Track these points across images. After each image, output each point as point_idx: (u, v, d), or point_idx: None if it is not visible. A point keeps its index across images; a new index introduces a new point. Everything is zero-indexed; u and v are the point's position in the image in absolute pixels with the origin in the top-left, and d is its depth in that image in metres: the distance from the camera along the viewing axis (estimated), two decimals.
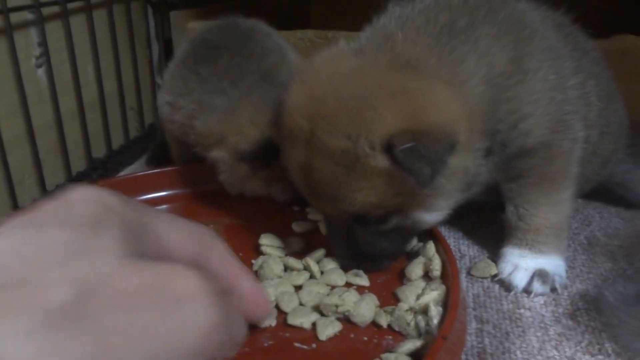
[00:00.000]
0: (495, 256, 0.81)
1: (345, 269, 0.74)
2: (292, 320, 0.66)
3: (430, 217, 0.70)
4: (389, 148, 0.60)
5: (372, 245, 0.71)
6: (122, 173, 1.20)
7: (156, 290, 0.29)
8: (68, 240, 0.29)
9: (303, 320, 0.66)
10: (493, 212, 0.94)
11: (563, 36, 0.77)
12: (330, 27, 1.25)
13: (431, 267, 0.71)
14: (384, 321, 0.65)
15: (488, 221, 0.93)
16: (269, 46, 0.87)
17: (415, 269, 0.73)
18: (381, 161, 0.62)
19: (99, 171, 1.23)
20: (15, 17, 1.02)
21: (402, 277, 0.74)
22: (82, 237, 0.29)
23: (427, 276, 0.72)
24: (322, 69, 0.68)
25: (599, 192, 0.97)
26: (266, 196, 0.86)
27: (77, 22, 1.19)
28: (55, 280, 0.27)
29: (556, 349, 0.65)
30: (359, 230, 0.70)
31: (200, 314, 0.30)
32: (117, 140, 1.34)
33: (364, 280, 0.72)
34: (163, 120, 0.90)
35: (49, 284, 0.27)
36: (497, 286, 0.76)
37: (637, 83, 1.35)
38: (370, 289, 0.72)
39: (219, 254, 0.39)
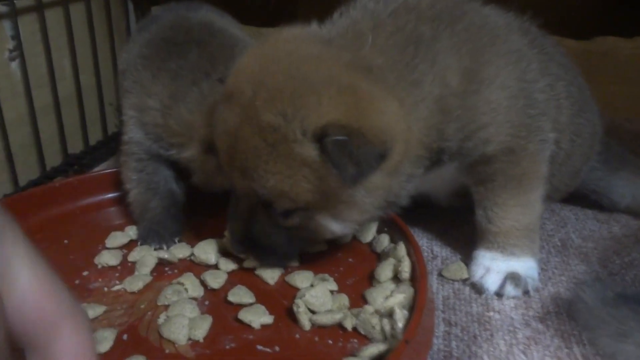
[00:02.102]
0: (468, 258, 0.80)
1: (236, 250, 0.73)
2: (243, 316, 0.66)
3: (337, 226, 0.67)
4: (320, 138, 0.59)
5: (267, 237, 0.69)
6: (97, 169, 1.18)
7: None
8: None
9: (253, 318, 0.65)
10: (463, 214, 0.93)
11: (529, 41, 0.76)
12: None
13: (400, 268, 0.70)
14: (349, 324, 0.64)
15: (461, 222, 0.92)
16: (236, 35, 0.86)
17: (385, 271, 0.72)
18: (308, 150, 0.60)
19: (74, 167, 1.21)
20: None
21: (372, 279, 0.73)
22: None
23: (396, 278, 0.71)
24: (283, 44, 0.67)
25: (574, 197, 0.96)
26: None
27: (53, 16, 1.17)
28: None
29: (524, 353, 0.64)
30: (260, 216, 0.68)
31: None
32: (95, 136, 1.32)
33: (331, 284, 0.71)
34: (129, 139, 0.84)
35: None
36: (467, 288, 0.76)
37: (617, 84, 1.36)
38: (339, 291, 0.71)
39: (73, 328, 0.33)
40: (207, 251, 0.76)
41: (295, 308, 0.65)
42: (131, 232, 0.83)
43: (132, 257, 0.78)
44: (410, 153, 0.65)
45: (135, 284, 0.71)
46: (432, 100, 0.65)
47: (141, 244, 0.80)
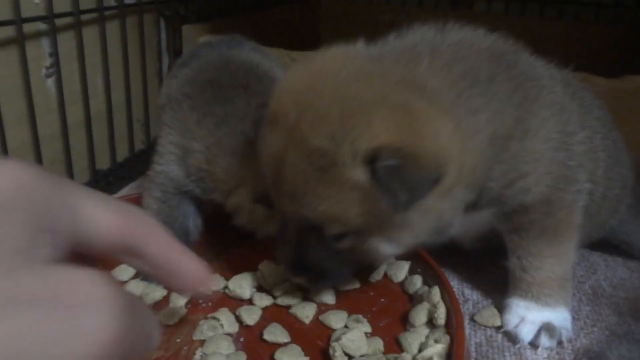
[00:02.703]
0: (499, 302, 0.80)
1: (289, 276, 0.72)
2: (279, 356, 0.65)
3: (389, 248, 0.66)
4: (371, 161, 0.57)
5: (319, 261, 0.68)
6: (125, 188, 1.19)
7: (49, 296, 0.27)
8: None
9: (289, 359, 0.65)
10: (495, 256, 0.93)
11: (570, 93, 0.77)
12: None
13: (436, 314, 0.70)
14: None
15: (489, 265, 0.91)
16: (280, 77, 0.86)
17: (420, 315, 0.71)
18: (358, 174, 0.58)
19: (101, 184, 1.22)
20: (27, 27, 1.01)
21: (404, 322, 0.73)
22: None
23: (431, 322, 0.71)
24: (330, 62, 0.64)
25: (604, 244, 0.96)
26: None
27: (90, 33, 1.18)
28: None
29: None
30: (311, 241, 0.66)
31: (98, 324, 0.27)
32: (122, 153, 1.33)
33: (365, 326, 0.71)
34: (162, 172, 0.83)
35: None
36: (500, 336, 0.75)
37: None
38: (373, 334, 0.71)
39: (155, 234, 0.37)
40: (242, 285, 0.76)
41: (331, 352, 0.65)
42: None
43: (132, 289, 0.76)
44: (462, 179, 0.63)
45: (170, 317, 0.71)
46: (487, 135, 0.64)
47: (142, 279, 0.78)
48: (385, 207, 0.59)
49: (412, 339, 0.68)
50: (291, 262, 0.69)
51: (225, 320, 0.71)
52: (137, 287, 0.76)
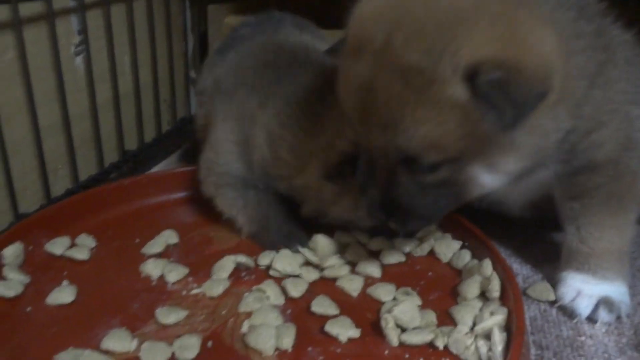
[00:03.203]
0: (550, 276, 0.77)
1: (372, 218, 0.67)
2: (330, 328, 0.64)
3: (488, 178, 0.61)
4: (473, 76, 0.53)
5: (411, 198, 0.62)
6: (155, 167, 1.17)
7: None
8: None
9: (340, 331, 0.63)
10: (542, 231, 0.91)
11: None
12: None
13: (489, 287, 0.67)
14: (440, 343, 0.61)
15: (537, 239, 0.89)
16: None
17: (471, 288, 0.69)
18: (459, 91, 0.53)
19: (129, 164, 1.21)
20: (57, 4, 0.99)
21: (454, 295, 0.71)
22: None
23: (482, 295, 0.69)
24: None
25: None
26: (351, 222, 0.78)
27: (117, 12, 1.16)
28: None
29: None
30: (402, 177, 0.62)
31: None
32: (150, 133, 1.31)
33: (416, 299, 0.69)
34: (225, 172, 0.81)
35: None
36: (554, 310, 0.72)
37: None
38: (424, 306, 0.68)
39: None
40: (290, 264, 0.74)
41: (383, 324, 0.63)
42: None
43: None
44: (565, 98, 0.60)
45: (215, 289, 0.69)
46: (583, 61, 0.61)
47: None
48: (488, 127, 0.55)
49: (465, 312, 0.66)
50: (381, 204, 0.63)
51: (272, 292, 0.69)
52: (156, 265, 0.74)
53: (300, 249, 0.76)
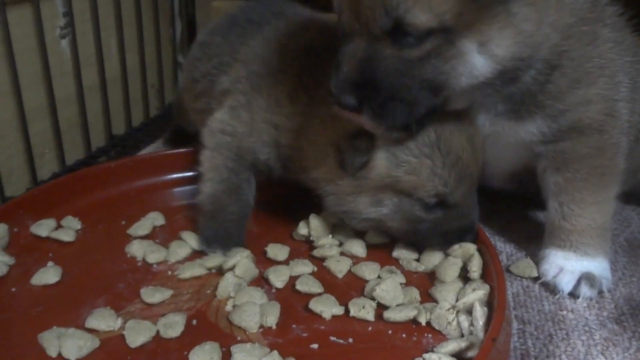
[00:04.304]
0: (533, 253, 0.78)
1: (341, 102, 0.59)
2: (313, 305, 0.64)
3: (477, 59, 0.57)
4: None
5: (393, 76, 0.57)
6: (142, 151, 1.17)
7: None
8: None
9: (324, 309, 0.64)
10: (526, 210, 0.91)
11: (627, 31, 0.75)
12: None
13: (469, 267, 0.67)
14: (423, 319, 0.62)
15: (521, 218, 0.90)
16: None
17: (448, 271, 0.68)
18: None
19: (117, 148, 1.20)
20: None
21: (433, 278, 0.71)
22: None
23: (465, 277, 0.69)
24: None
25: (636, 197, 0.94)
26: (377, 221, 0.71)
27: None
28: None
29: (603, 354, 0.62)
30: (385, 49, 0.57)
31: None
32: (137, 118, 1.31)
33: (400, 277, 0.69)
34: (246, 148, 0.77)
35: None
36: (537, 286, 0.73)
37: None
38: (408, 284, 0.69)
39: None
40: (283, 252, 0.74)
41: (356, 309, 0.63)
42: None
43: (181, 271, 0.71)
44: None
45: (198, 269, 0.70)
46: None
47: (206, 248, 0.74)
48: None
49: (447, 291, 0.66)
50: (351, 83, 0.57)
51: (247, 276, 0.69)
52: (142, 246, 0.74)
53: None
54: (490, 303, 0.62)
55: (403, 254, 0.73)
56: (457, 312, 0.61)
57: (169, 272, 0.70)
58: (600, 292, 0.71)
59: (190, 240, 0.75)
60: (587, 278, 0.70)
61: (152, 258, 0.72)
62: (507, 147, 0.73)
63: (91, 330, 0.59)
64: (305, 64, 0.75)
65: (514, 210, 0.90)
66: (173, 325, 0.60)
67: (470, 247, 0.70)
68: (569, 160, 0.70)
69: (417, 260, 0.73)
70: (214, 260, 0.71)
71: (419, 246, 0.73)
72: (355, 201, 0.69)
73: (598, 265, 0.72)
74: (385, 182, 0.67)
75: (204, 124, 0.82)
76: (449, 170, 0.65)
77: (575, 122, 0.68)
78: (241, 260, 0.69)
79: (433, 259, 0.72)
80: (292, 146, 0.74)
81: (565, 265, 0.71)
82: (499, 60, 0.58)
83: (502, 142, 0.71)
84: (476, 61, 0.57)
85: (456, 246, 0.71)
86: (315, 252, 0.74)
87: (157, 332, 0.60)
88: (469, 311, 0.61)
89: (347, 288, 0.69)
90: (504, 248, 0.82)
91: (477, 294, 0.62)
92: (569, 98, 0.67)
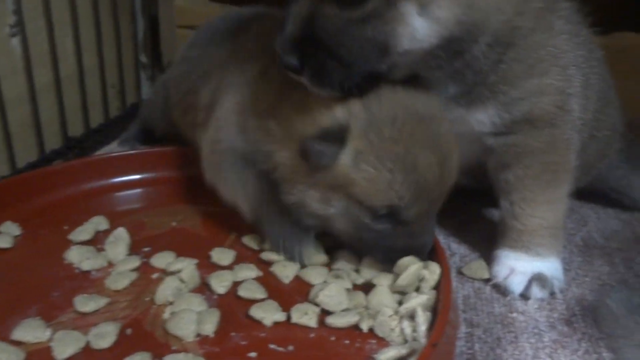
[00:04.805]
0: (487, 255, 0.76)
1: (284, 62, 0.59)
2: (254, 312, 0.62)
3: (418, 22, 0.57)
4: None
5: (334, 33, 0.58)
6: (98, 152, 1.14)
7: None
8: None
9: (265, 315, 0.61)
10: (482, 209, 0.90)
11: (583, 26, 0.75)
12: None
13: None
14: (365, 325, 0.60)
15: (477, 219, 0.89)
16: None
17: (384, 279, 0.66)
18: None
19: (75, 150, 1.17)
20: None
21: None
22: None
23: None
24: None
25: (594, 194, 0.93)
26: (323, 219, 0.68)
27: None
28: None
29: (550, 357, 0.61)
30: (328, 8, 0.58)
31: None
32: (96, 119, 1.27)
33: (345, 282, 0.67)
34: (228, 147, 0.73)
35: None
36: (488, 288, 0.72)
37: (635, 81, 1.31)
38: (356, 289, 0.67)
39: None
40: (227, 256, 0.72)
41: (299, 315, 0.61)
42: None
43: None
44: None
45: (120, 282, 0.67)
46: None
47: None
48: None
49: (385, 298, 0.64)
50: (294, 40, 0.58)
51: (189, 279, 0.66)
52: (78, 253, 0.71)
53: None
54: (435, 308, 0.61)
55: (343, 265, 0.70)
56: (401, 317, 0.60)
57: (107, 280, 0.68)
58: (552, 294, 0.70)
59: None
60: (538, 279, 0.69)
61: (87, 265, 0.69)
62: (460, 139, 0.71)
63: (18, 343, 0.57)
64: None
65: (469, 210, 0.89)
66: (104, 335, 0.57)
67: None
68: (521, 155, 0.69)
69: (357, 271, 0.70)
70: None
71: (363, 253, 0.70)
72: (305, 193, 0.66)
73: (550, 266, 0.70)
74: (339, 182, 0.64)
75: (196, 140, 0.80)
76: (407, 187, 0.61)
77: (527, 113, 0.67)
78: (188, 266, 0.67)
79: (373, 270, 0.69)
80: (260, 128, 0.70)
81: (517, 266, 0.70)
82: (442, 23, 0.57)
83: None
84: (417, 24, 0.57)
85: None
86: (263, 255, 0.72)
87: (88, 342, 0.57)
88: (413, 317, 0.59)
89: (293, 293, 0.66)
90: (457, 249, 0.80)
91: (419, 298, 0.60)
92: (522, 85, 0.65)
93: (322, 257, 0.71)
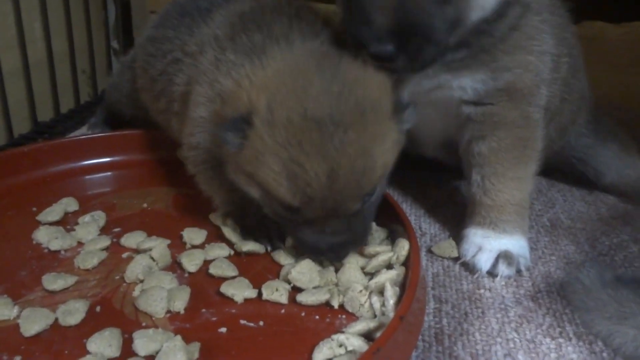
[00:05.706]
0: (456, 235, 0.77)
1: (380, 52, 0.61)
2: (225, 289, 0.62)
3: None
4: None
5: (427, 20, 0.61)
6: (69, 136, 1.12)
7: None
8: None
9: (235, 292, 0.62)
10: (453, 193, 0.92)
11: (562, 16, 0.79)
12: None
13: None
14: (335, 302, 0.61)
15: (449, 200, 0.90)
16: None
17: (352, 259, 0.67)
18: None
19: (44, 135, 1.15)
20: None
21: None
22: None
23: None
24: None
25: (561, 167, 0.96)
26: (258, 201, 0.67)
27: None
28: None
29: (516, 331, 0.62)
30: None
31: None
32: (67, 104, 1.26)
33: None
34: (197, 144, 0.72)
35: None
36: (457, 266, 0.73)
37: (604, 70, 1.35)
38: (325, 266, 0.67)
39: None
40: (199, 236, 0.72)
41: (269, 292, 0.62)
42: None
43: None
44: None
45: (89, 260, 0.66)
46: None
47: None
48: None
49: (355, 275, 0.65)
50: (392, 29, 0.59)
51: (159, 257, 0.66)
52: (47, 232, 0.71)
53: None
54: (404, 283, 0.62)
55: None
56: (370, 292, 0.61)
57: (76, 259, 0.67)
58: (519, 271, 0.71)
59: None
60: (504, 257, 0.70)
61: (55, 245, 0.68)
62: (438, 110, 0.73)
63: None
64: (239, 28, 0.72)
65: (441, 192, 0.90)
66: (73, 312, 0.57)
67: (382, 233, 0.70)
68: (497, 125, 0.71)
69: None
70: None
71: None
72: (236, 176, 0.65)
73: (515, 244, 0.72)
74: (249, 170, 0.62)
75: (169, 125, 0.78)
76: (293, 192, 0.59)
77: (509, 84, 0.70)
78: (159, 244, 0.67)
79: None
80: (214, 113, 0.68)
81: (484, 244, 0.72)
82: None
83: (433, 104, 0.72)
84: None
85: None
86: (237, 247, 0.71)
87: (56, 319, 0.57)
88: (382, 292, 0.60)
89: (264, 271, 0.67)
90: (429, 229, 0.82)
91: (389, 274, 0.61)
92: (517, 55, 0.69)
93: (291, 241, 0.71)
